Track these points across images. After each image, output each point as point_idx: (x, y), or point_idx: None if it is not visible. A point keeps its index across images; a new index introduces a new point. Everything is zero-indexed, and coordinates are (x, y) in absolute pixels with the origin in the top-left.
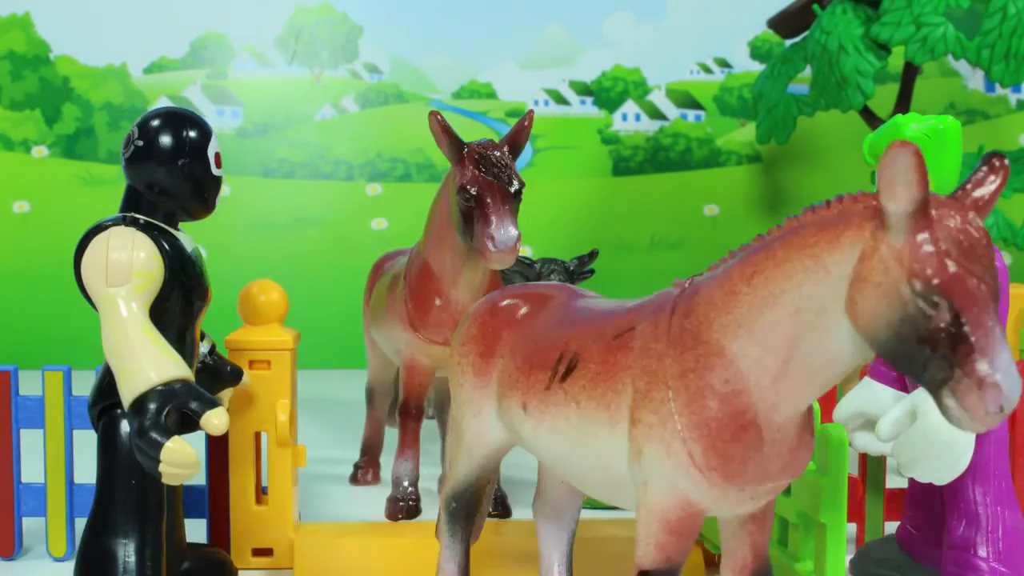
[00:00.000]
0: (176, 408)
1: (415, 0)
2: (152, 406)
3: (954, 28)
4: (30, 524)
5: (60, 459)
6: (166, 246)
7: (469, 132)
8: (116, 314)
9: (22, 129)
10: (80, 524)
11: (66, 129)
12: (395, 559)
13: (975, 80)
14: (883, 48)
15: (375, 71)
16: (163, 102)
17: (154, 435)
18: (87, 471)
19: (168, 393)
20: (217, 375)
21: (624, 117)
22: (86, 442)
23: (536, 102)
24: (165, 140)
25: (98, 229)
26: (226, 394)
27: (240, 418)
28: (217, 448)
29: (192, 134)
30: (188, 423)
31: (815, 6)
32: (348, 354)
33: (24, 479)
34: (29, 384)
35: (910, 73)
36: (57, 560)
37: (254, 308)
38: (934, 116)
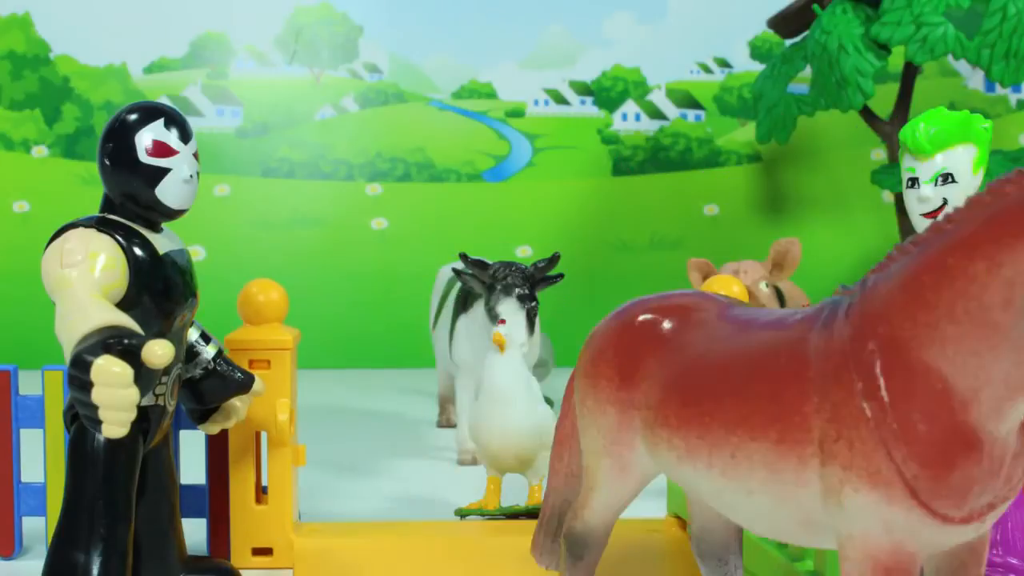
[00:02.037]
0: (115, 344)
1: (415, 0)
2: (88, 341)
3: (954, 28)
4: (30, 524)
5: (60, 459)
6: (135, 250)
7: (469, 132)
8: (68, 287)
9: (22, 129)
10: None
11: (66, 129)
12: (395, 559)
13: (975, 80)
14: (883, 48)
15: (375, 71)
16: (163, 102)
17: (84, 356)
18: None
19: (106, 331)
20: (224, 382)
21: (624, 117)
22: None
23: (536, 102)
24: (102, 138)
25: (64, 228)
26: (243, 401)
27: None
28: (217, 448)
29: (124, 118)
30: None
31: (815, 6)
32: (348, 354)
33: (24, 479)
34: (29, 384)
35: (910, 73)
36: None
37: (254, 308)
38: (974, 113)
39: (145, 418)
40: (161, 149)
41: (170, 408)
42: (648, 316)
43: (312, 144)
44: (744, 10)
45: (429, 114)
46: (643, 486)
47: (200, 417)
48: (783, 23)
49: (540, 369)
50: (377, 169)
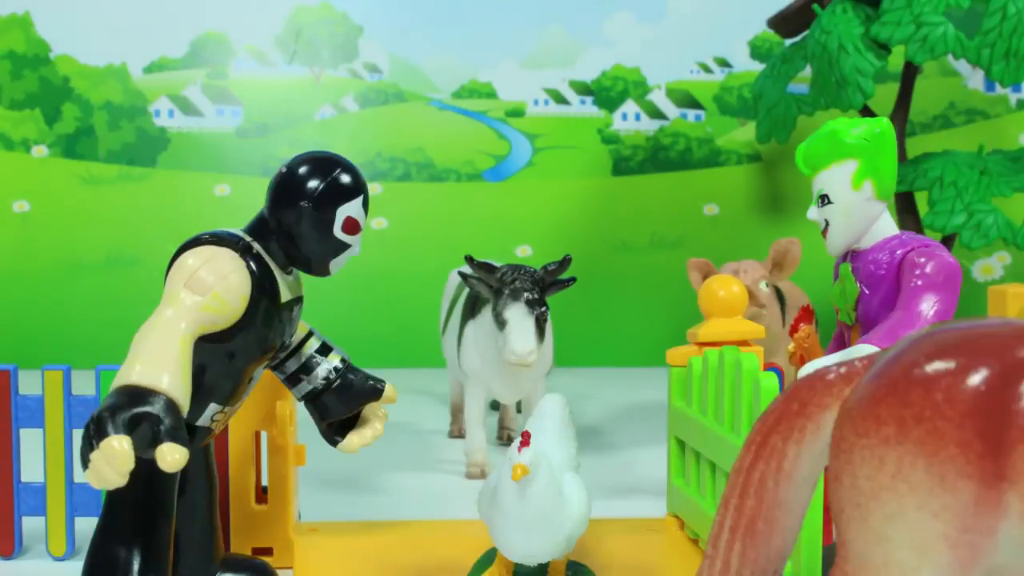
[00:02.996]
0: (146, 420)
1: (415, 0)
2: (127, 399)
3: (954, 28)
4: (30, 523)
5: (60, 458)
6: (263, 289)
7: (469, 131)
8: (173, 309)
9: (22, 129)
10: (80, 523)
11: (66, 129)
12: (395, 559)
13: (975, 80)
14: (883, 48)
15: (375, 71)
16: (163, 102)
17: (106, 419)
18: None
19: (154, 399)
20: (345, 394)
21: (624, 117)
22: None
23: (536, 101)
24: (304, 177)
25: (216, 240)
26: (377, 413)
27: (240, 418)
28: (217, 447)
29: (329, 183)
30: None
31: (815, 6)
32: (348, 353)
33: (24, 479)
34: (29, 384)
35: (910, 73)
36: (57, 559)
37: None
38: (866, 120)
39: (193, 431)
40: (353, 227)
41: (218, 430)
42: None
43: (312, 144)
44: (744, 10)
45: (429, 114)
46: None
47: (336, 432)
48: (783, 23)
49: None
50: (377, 169)
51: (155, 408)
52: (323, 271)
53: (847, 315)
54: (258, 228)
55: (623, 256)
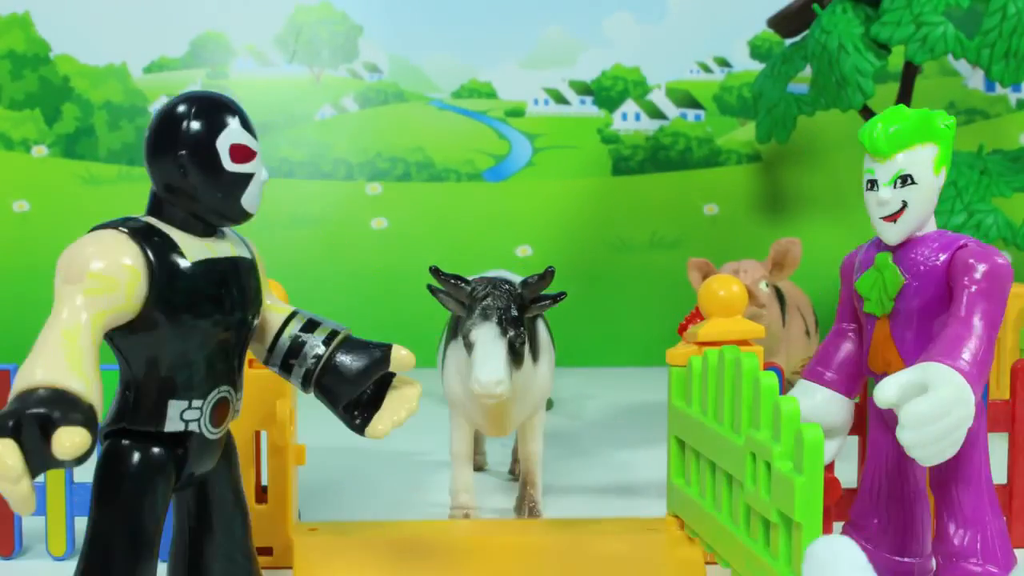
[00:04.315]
0: (36, 417)
1: (415, 0)
2: (11, 407)
3: (954, 27)
4: (30, 523)
5: None
6: (160, 257)
7: (469, 131)
8: (56, 307)
9: (22, 129)
10: (80, 523)
11: (66, 128)
12: (395, 559)
13: (975, 80)
14: (883, 47)
15: (375, 70)
16: (163, 102)
17: None
18: (86, 470)
19: (43, 395)
20: (347, 367)
21: (624, 116)
22: None
23: (536, 101)
24: (166, 130)
25: (93, 229)
26: (408, 384)
27: (240, 417)
28: None
29: (195, 122)
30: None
31: (815, 5)
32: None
33: None
34: None
35: (910, 72)
36: (57, 559)
37: None
38: (933, 111)
39: (180, 444)
40: (243, 153)
41: (211, 436)
42: None
43: (312, 144)
44: (744, 10)
45: (429, 114)
46: None
47: (360, 416)
48: (783, 22)
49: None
50: (377, 168)
51: (50, 400)
52: (238, 212)
53: (879, 305)
54: (154, 206)
55: (623, 256)
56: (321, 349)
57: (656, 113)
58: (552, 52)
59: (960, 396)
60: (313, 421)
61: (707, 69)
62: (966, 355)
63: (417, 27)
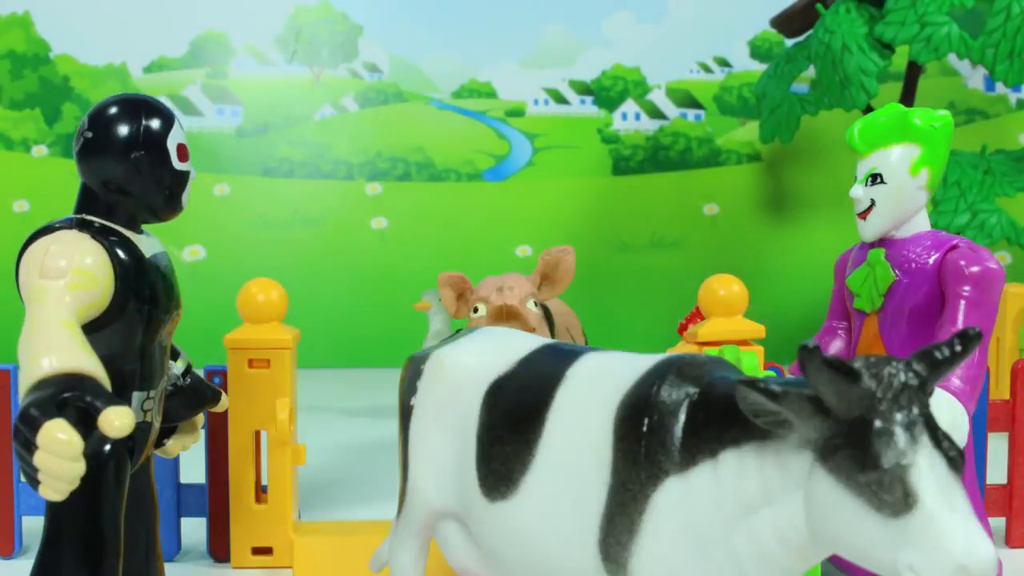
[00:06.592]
0: (73, 400)
1: (415, 0)
2: (45, 392)
3: (958, 27)
4: (30, 523)
5: None
6: (120, 254)
7: (469, 131)
8: (41, 304)
9: (22, 128)
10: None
11: (66, 128)
12: None
13: (975, 79)
14: (887, 47)
15: (375, 70)
16: (163, 101)
17: (33, 412)
18: None
19: (68, 381)
20: (197, 397)
21: (624, 116)
22: None
23: (536, 101)
24: (117, 131)
25: (44, 231)
26: (198, 419)
27: (240, 417)
28: (217, 447)
29: (148, 123)
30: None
31: (819, 5)
32: (348, 353)
33: (23, 478)
34: None
35: (913, 72)
36: None
37: (254, 307)
38: (927, 109)
39: (131, 436)
40: (185, 152)
41: (156, 424)
42: None
43: (312, 144)
44: (744, 10)
45: (429, 113)
46: None
47: (160, 437)
48: (786, 22)
49: None
50: (377, 168)
51: (79, 385)
52: (176, 208)
53: (869, 302)
54: (87, 204)
55: (623, 256)
56: (180, 380)
57: (656, 113)
58: (552, 52)
59: (954, 422)
60: (313, 421)
61: (707, 69)
62: (959, 371)
63: (417, 27)
